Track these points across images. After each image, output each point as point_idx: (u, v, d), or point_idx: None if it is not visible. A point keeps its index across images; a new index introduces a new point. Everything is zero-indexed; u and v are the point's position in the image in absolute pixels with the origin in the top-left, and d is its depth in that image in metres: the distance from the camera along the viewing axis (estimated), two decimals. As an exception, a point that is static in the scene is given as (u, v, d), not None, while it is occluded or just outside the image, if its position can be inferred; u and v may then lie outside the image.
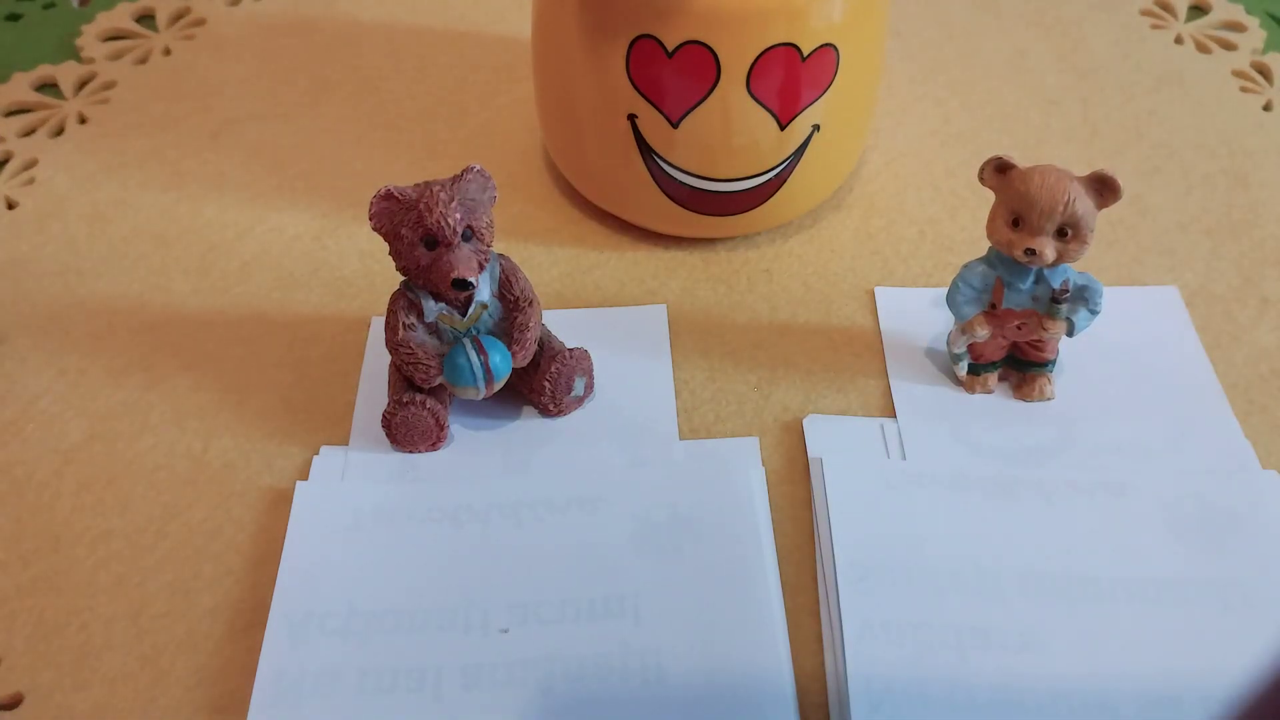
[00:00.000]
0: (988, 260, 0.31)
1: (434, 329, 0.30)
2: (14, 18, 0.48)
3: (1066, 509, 0.30)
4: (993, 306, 0.31)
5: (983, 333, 0.31)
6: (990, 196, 0.30)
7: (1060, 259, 0.29)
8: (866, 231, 0.38)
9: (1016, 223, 0.29)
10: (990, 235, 0.30)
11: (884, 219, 0.39)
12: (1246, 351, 0.34)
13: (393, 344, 0.30)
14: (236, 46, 0.46)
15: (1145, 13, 0.48)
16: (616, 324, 0.35)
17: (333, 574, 0.29)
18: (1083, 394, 0.33)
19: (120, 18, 0.47)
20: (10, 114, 0.43)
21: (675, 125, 0.34)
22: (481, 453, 0.31)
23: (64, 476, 0.31)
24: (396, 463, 0.31)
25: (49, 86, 0.45)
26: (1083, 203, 0.29)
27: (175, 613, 0.29)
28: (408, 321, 0.30)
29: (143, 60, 0.46)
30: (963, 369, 0.33)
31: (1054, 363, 0.32)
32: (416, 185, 0.29)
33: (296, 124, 0.42)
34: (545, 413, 0.32)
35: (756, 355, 0.34)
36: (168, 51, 0.46)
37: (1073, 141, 0.42)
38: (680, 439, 0.32)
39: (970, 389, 0.33)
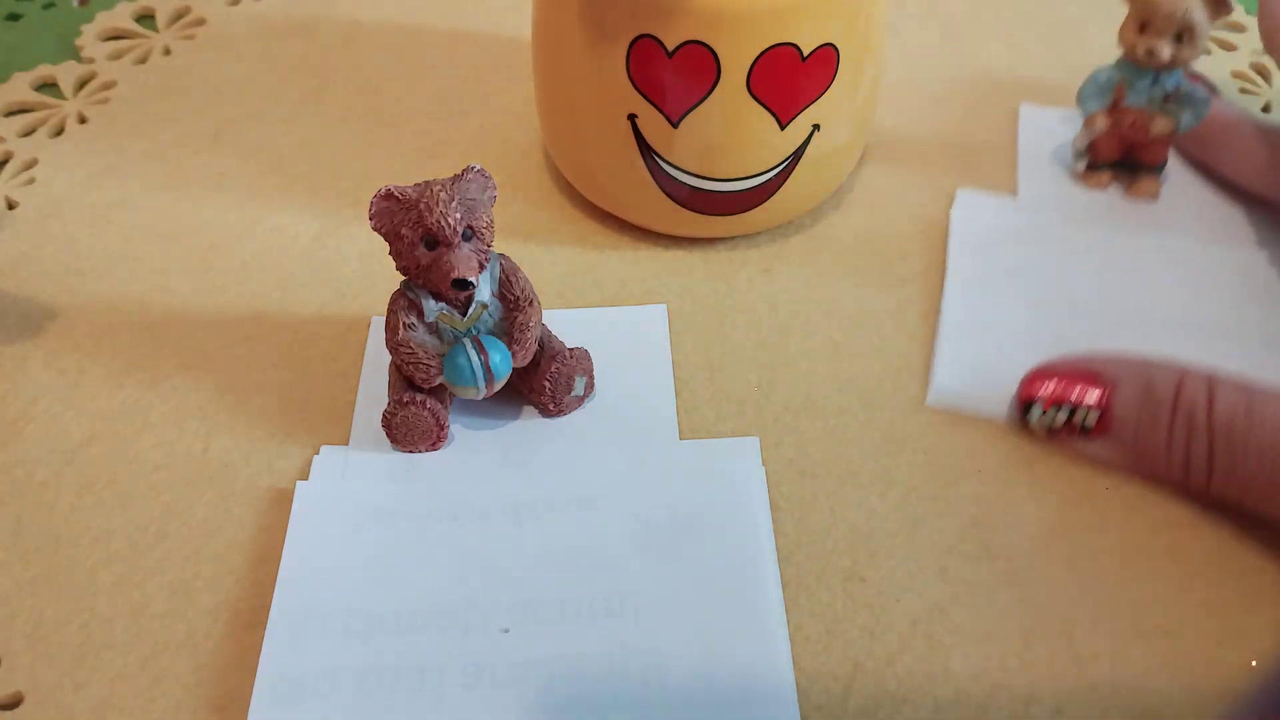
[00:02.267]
0: (1115, 65, 0.37)
1: (434, 329, 0.30)
2: (14, 17, 0.48)
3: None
4: (1114, 105, 0.37)
5: (1101, 125, 0.38)
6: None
7: (1174, 61, 0.35)
8: (866, 231, 0.38)
9: (1143, 28, 0.35)
10: (1120, 38, 0.36)
11: (884, 219, 0.39)
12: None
13: (393, 344, 0.30)
14: (236, 46, 0.46)
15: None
16: (616, 324, 0.35)
17: (333, 574, 0.29)
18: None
19: (120, 17, 0.47)
20: (10, 114, 0.43)
21: (675, 125, 0.34)
22: (481, 453, 0.31)
23: (64, 476, 0.31)
24: (396, 462, 0.31)
25: (49, 86, 0.45)
26: (1198, 13, 0.35)
27: (175, 613, 0.29)
28: (408, 321, 0.30)
29: (143, 60, 0.46)
30: (1082, 166, 0.39)
31: (1163, 167, 0.38)
32: (416, 185, 0.29)
33: (296, 124, 0.42)
34: (545, 412, 0.32)
35: (757, 355, 0.34)
36: (168, 51, 0.46)
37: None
38: (680, 439, 0.32)
39: (1088, 183, 0.39)
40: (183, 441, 0.32)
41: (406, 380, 0.31)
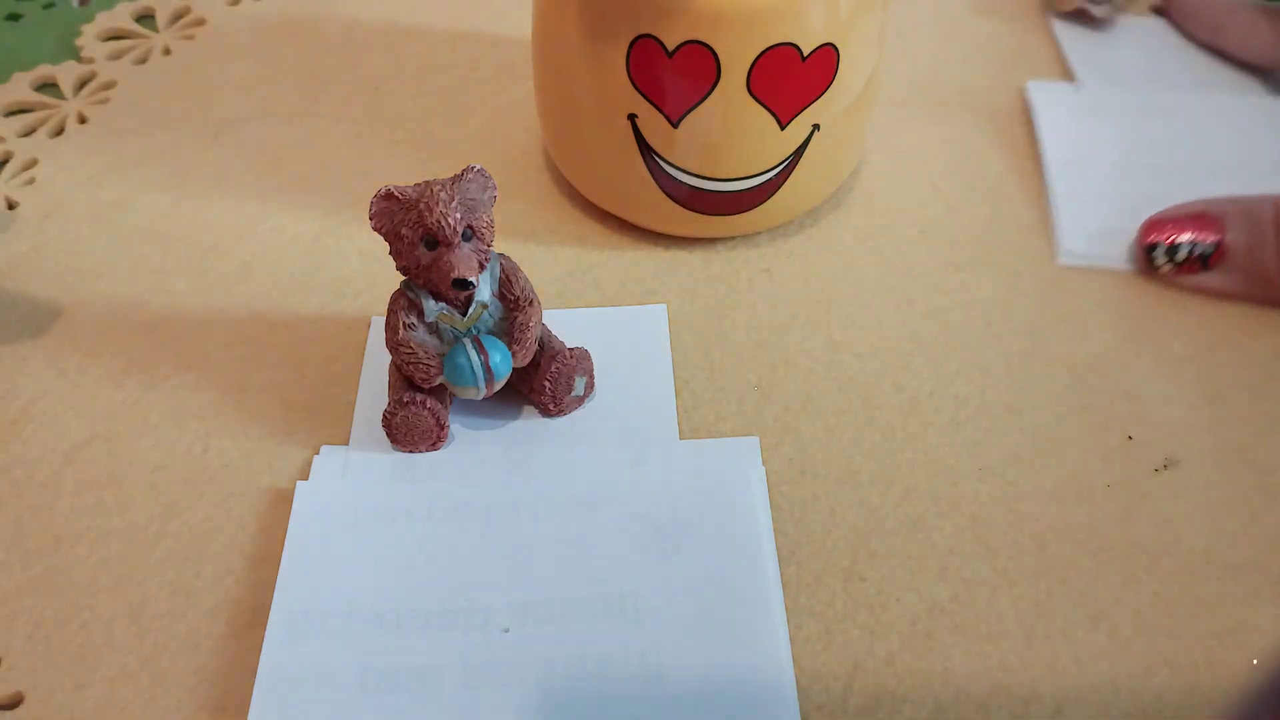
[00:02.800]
0: None
1: (434, 329, 0.30)
2: (14, 18, 0.48)
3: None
4: None
5: None
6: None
7: None
8: (866, 231, 0.38)
9: None
10: None
11: (884, 219, 0.39)
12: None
13: (393, 344, 0.30)
14: (236, 46, 0.46)
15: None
16: (616, 324, 0.35)
17: (333, 573, 0.29)
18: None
19: (120, 17, 0.47)
20: (10, 114, 0.43)
21: (675, 125, 0.34)
22: (481, 452, 0.31)
23: (64, 476, 0.31)
24: (396, 462, 0.31)
25: (49, 86, 0.45)
26: None
27: (175, 613, 0.29)
28: (408, 321, 0.30)
29: (143, 60, 0.46)
30: None
31: None
32: (416, 185, 0.29)
33: (296, 124, 0.42)
34: (546, 412, 0.32)
35: (757, 355, 0.34)
36: (168, 51, 0.46)
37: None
38: (680, 439, 0.32)
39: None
40: (183, 441, 0.32)
41: (407, 380, 0.31)
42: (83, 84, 0.45)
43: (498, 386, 0.30)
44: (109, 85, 0.44)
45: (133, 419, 0.33)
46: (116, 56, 0.46)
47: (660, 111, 0.34)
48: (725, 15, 0.31)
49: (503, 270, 0.31)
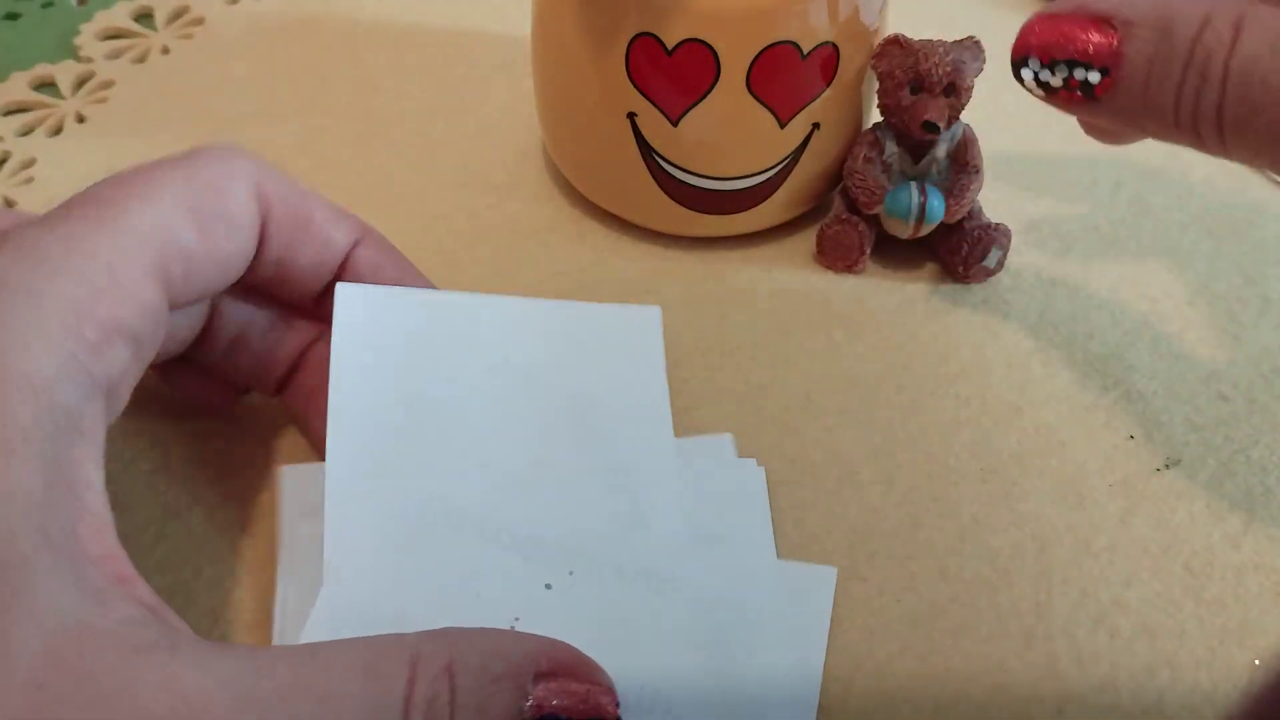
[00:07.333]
0: None
1: (888, 168, 0.35)
2: (12, 17, 0.48)
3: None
4: None
5: None
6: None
7: None
8: (867, 231, 0.38)
9: None
10: None
11: (884, 218, 0.39)
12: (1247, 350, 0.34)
13: (849, 169, 0.35)
14: (236, 46, 0.46)
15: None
16: (615, 323, 0.35)
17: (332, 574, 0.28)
18: None
19: (119, 16, 0.47)
20: (8, 113, 0.43)
21: (675, 124, 0.34)
22: (484, 457, 0.31)
23: (63, 477, 0.31)
24: (381, 486, 0.31)
25: (47, 86, 0.44)
26: None
27: (175, 613, 0.28)
28: (869, 155, 0.34)
29: (141, 59, 0.46)
30: None
31: None
32: (923, 40, 0.33)
33: (296, 124, 0.42)
34: (954, 275, 0.36)
35: (756, 355, 0.34)
36: (166, 51, 0.46)
37: (1073, 142, 0.42)
38: (678, 438, 0.32)
39: None
40: (181, 441, 0.32)
41: (849, 202, 0.35)
42: (81, 83, 0.44)
43: (924, 231, 0.34)
44: (107, 84, 0.44)
45: (132, 419, 0.33)
46: (115, 56, 0.46)
47: (660, 110, 0.33)
48: (725, 13, 0.31)
49: (964, 136, 0.34)
